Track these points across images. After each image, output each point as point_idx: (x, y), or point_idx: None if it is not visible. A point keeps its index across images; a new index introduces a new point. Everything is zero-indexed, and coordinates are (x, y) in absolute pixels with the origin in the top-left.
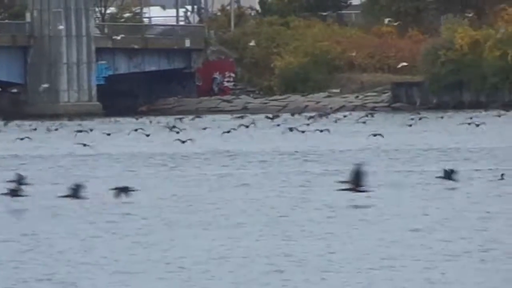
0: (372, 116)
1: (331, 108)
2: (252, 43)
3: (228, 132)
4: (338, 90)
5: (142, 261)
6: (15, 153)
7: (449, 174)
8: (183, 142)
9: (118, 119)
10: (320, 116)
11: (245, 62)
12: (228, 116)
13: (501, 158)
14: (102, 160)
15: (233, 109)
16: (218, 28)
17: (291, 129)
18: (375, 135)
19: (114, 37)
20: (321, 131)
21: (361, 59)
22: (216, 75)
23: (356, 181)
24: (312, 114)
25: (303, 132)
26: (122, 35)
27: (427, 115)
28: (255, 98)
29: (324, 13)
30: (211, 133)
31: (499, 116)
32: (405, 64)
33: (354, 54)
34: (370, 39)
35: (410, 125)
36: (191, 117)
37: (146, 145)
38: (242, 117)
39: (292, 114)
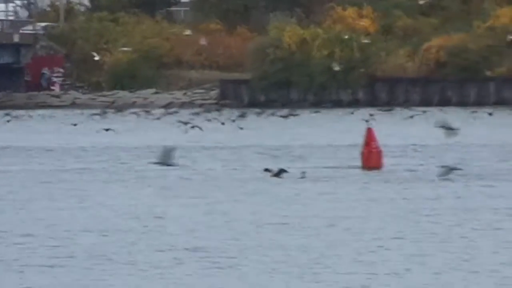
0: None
1: None
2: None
3: None
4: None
5: None
6: None
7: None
8: None
9: None
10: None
11: (74, 58)
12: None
13: None
14: None
15: (62, 104)
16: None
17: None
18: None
19: None
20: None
21: (189, 56)
22: (45, 70)
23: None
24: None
25: None
26: None
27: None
28: (84, 93)
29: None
30: None
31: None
32: None
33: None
34: (199, 36)
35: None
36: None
37: None
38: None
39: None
